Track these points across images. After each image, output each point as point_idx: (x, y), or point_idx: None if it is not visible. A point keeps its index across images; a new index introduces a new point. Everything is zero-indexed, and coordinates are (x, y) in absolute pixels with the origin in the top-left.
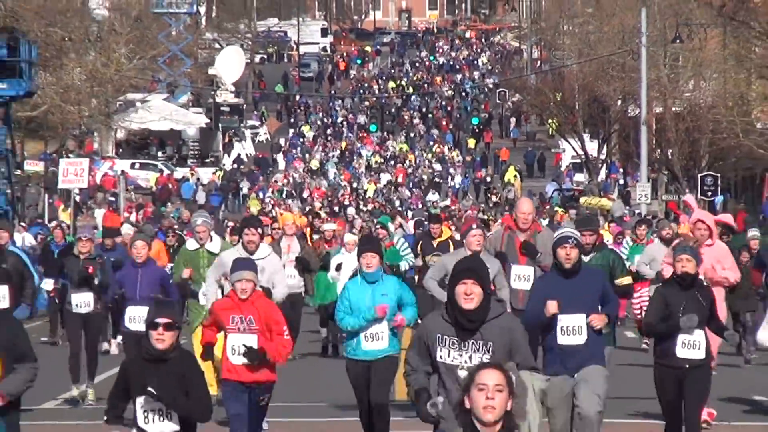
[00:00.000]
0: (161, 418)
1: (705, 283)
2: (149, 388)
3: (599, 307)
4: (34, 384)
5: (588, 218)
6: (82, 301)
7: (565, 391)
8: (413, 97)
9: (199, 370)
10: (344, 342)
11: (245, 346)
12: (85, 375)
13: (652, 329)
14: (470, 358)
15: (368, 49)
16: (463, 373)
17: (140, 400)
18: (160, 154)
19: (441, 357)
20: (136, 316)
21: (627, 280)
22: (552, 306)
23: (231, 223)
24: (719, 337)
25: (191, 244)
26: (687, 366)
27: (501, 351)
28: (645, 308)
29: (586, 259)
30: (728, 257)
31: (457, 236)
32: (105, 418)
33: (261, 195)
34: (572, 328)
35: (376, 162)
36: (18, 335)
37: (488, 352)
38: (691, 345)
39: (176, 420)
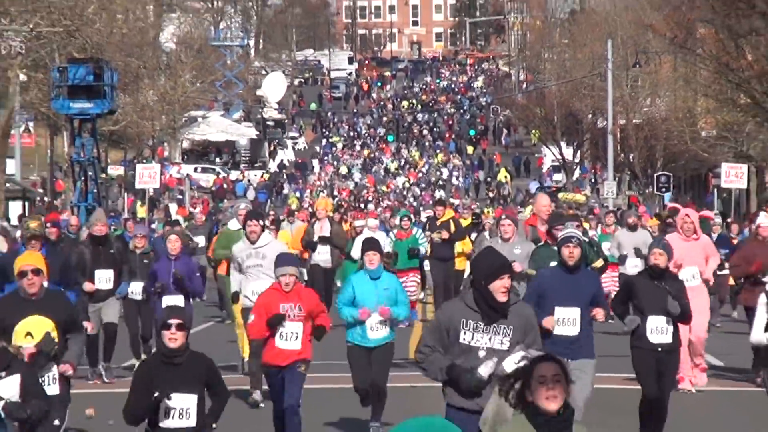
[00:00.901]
0: (180, 417)
1: (677, 276)
2: (169, 401)
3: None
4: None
5: (558, 214)
6: (136, 290)
7: None
8: (422, 113)
9: (216, 367)
10: (348, 329)
11: (317, 328)
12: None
13: (615, 312)
14: (490, 339)
15: (386, 74)
16: (482, 353)
17: (165, 402)
18: (217, 160)
19: (464, 339)
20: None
21: (600, 263)
22: (548, 322)
23: (272, 215)
24: (685, 324)
25: (233, 224)
26: (659, 349)
27: (518, 333)
28: (613, 290)
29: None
30: (711, 245)
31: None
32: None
33: (299, 193)
34: (568, 320)
35: (393, 167)
36: (70, 310)
37: (508, 334)
38: (660, 331)
39: (193, 419)
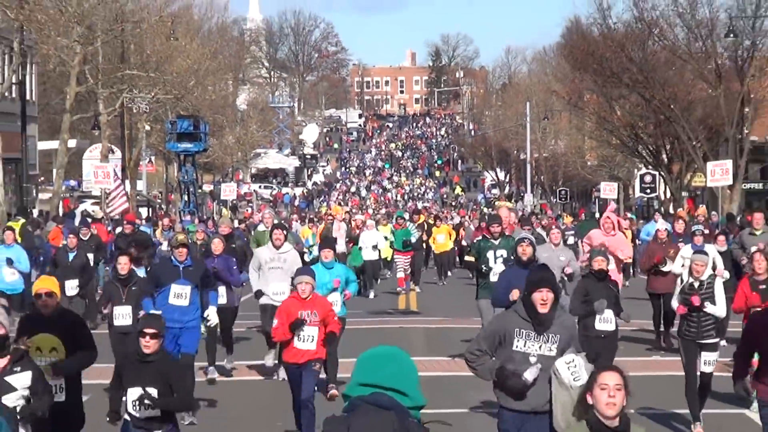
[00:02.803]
0: (146, 408)
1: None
2: (146, 391)
3: None
4: (89, 366)
5: (494, 216)
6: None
7: None
8: (406, 151)
9: (180, 369)
10: None
11: (328, 334)
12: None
13: (576, 312)
14: (540, 347)
15: (383, 125)
16: (533, 359)
17: (131, 392)
18: (273, 180)
19: (518, 347)
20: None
21: None
22: (514, 294)
23: (311, 216)
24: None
25: (261, 227)
26: (603, 336)
27: (564, 342)
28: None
29: (495, 242)
30: (623, 241)
31: (431, 222)
32: (107, 418)
33: (326, 204)
34: None
35: (388, 187)
36: (78, 328)
37: (556, 342)
38: (605, 320)
39: (158, 409)
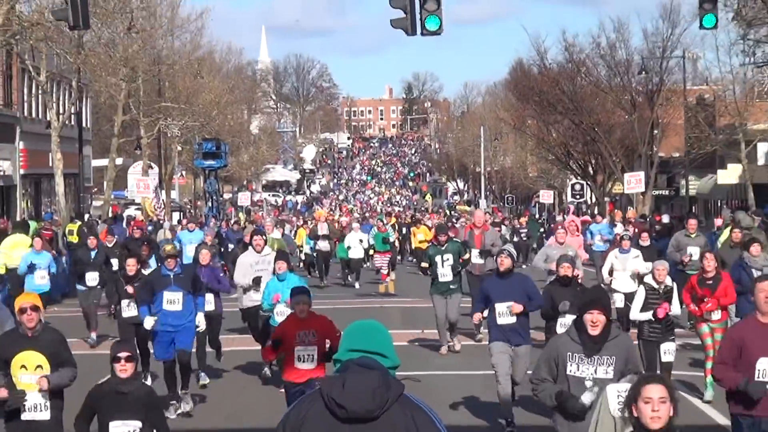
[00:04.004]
0: None
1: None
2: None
3: (527, 301)
4: (72, 383)
5: (442, 225)
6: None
7: (505, 351)
8: (385, 167)
9: (157, 399)
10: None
11: (328, 350)
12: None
13: (545, 315)
14: (596, 370)
15: (367, 145)
16: (589, 383)
17: (113, 424)
18: (279, 190)
19: (571, 371)
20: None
21: (467, 255)
22: (475, 318)
23: (305, 220)
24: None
25: (276, 233)
26: None
27: (620, 363)
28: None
29: (442, 248)
30: (580, 243)
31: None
32: None
33: (321, 208)
34: (504, 312)
35: (370, 195)
36: (60, 345)
37: (612, 365)
38: (565, 325)
39: None
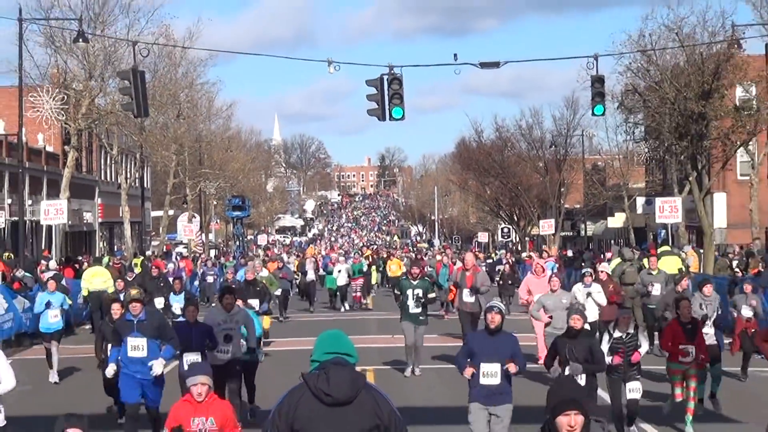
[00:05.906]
0: None
1: (589, 332)
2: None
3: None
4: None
5: (416, 260)
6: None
7: (483, 413)
8: (365, 216)
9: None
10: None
11: None
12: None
13: (546, 366)
14: None
15: (352, 200)
16: None
17: None
18: (288, 233)
19: None
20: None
21: (432, 294)
22: (467, 372)
23: (296, 254)
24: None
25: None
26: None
27: None
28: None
29: (414, 282)
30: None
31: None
32: None
33: (318, 247)
34: (491, 373)
35: (356, 237)
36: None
37: None
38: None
39: None
